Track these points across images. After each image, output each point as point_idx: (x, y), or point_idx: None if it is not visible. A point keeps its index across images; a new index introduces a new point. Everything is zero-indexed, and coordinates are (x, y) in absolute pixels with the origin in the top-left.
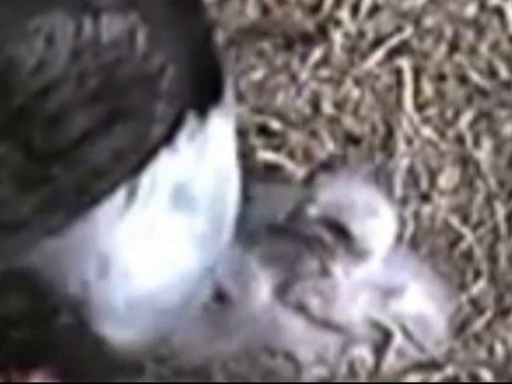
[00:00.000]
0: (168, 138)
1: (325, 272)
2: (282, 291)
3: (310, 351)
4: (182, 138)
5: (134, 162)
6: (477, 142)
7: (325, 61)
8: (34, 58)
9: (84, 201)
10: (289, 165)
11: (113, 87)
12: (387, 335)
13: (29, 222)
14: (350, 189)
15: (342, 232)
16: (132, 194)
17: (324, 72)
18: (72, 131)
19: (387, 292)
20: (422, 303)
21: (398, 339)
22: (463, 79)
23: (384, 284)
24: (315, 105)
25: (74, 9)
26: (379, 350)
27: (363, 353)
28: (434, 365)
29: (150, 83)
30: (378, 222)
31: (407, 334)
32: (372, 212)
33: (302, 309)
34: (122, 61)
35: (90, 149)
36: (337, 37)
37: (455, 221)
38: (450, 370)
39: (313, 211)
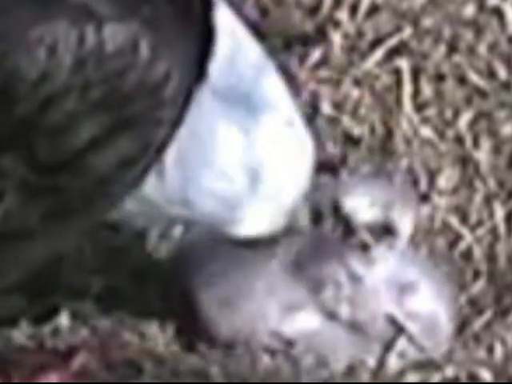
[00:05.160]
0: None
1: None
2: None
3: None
4: None
5: (140, 168)
6: (476, 143)
7: (324, 61)
8: (36, 68)
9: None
10: None
11: (117, 97)
12: (399, 333)
13: (35, 232)
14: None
15: (388, 232)
16: None
17: (323, 72)
18: (77, 141)
19: (402, 288)
20: (432, 302)
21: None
22: (462, 79)
23: (400, 280)
24: (314, 105)
25: (76, 18)
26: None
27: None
28: (433, 365)
29: (155, 91)
30: (403, 218)
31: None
32: (399, 208)
33: (333, 316)
34: (126, 70)
35: (95, 158)
36: (336, 37)
37: (454, 221)
38: (449, 370)
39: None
